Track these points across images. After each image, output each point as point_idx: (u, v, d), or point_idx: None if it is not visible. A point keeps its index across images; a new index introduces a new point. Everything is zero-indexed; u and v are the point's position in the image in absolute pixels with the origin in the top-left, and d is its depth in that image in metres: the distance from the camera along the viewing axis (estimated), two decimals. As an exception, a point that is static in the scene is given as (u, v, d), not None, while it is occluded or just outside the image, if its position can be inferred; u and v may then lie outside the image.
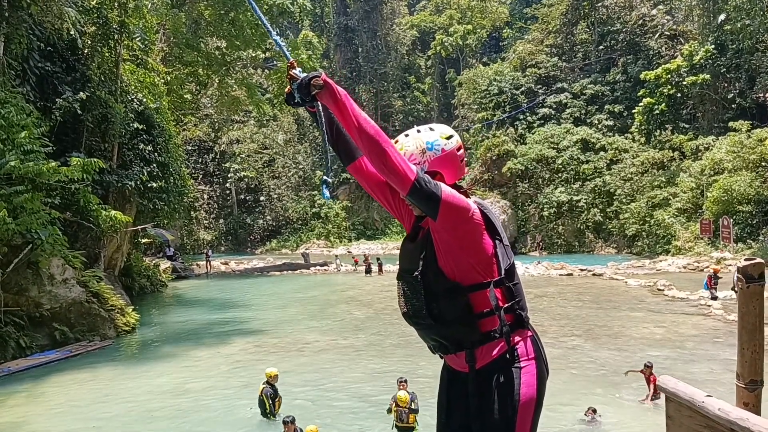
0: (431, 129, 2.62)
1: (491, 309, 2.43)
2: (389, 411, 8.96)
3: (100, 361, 14.19)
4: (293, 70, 2.36)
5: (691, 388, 2.69)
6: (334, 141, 2.57)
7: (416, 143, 2.56)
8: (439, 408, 2.73)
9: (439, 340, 2.55)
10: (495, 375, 2.45)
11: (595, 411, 9.50)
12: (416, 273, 2.48)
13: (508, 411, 2.42)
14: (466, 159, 2.71)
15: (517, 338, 2.49)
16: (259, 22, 25.42)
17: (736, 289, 2.59)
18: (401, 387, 9.07)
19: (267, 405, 9.99)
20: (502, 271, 2.48)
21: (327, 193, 2.58)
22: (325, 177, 2.59)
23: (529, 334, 2.55)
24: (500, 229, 2.54)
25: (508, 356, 2.45)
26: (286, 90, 2.40)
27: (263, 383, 10.22)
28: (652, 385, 10.09)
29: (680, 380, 2.88)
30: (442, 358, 2.69)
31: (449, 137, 2.59)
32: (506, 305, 2.47)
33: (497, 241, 2.51)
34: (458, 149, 2.61)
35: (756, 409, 2.65)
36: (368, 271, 30.47)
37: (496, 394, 2.44)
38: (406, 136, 2.61)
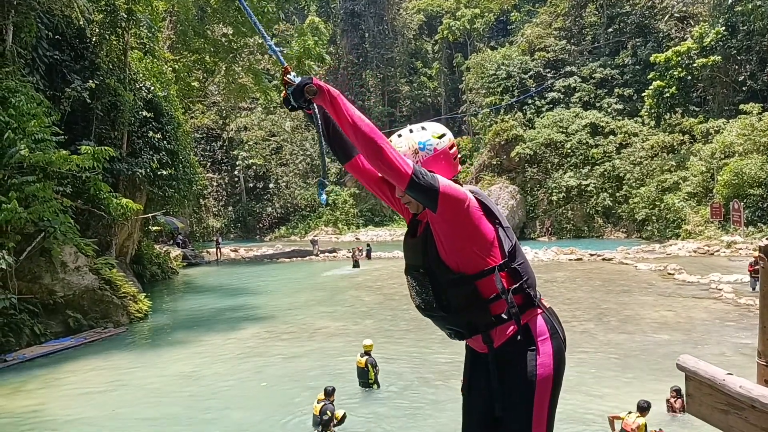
0: (423, 128, 2.63)
1: (498, 293, 2.46)
2: None
3: (113, 348, 14.35)
4: (288, 76, 2.41)
5: (712, 367, 2.70)
6: (331, 140, 2.64)
7: (408, 143, 2.56)
8: (464, 388, 2.77)
9: (454, 328, 2.60)
10: (512, 357, 2.50)
11: (678, 393, 8.68)
12: (421, 270, 2.52)
13: (525, 391, 2.48)
14: (460, 156, 2.72)
15: (526, 319, 2.52)
16: (266, 10, 25.24)
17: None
18: None
19: (372, 374, 10.28)
20: (506, 254, 2.50)
21: (324, 196, 2.62)
22: (321, 179, 2.64)
23: (539, 312, 2.56)
24: (498, 213, 2.56)
25: (520, 337, 2.49)
26: (282, 95, 2.45)
27: (361, 354, 10.47)
28: None
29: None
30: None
31: (441, 136, 2.59)
32: (514, 286, 2.49)
33: (497, 226, 2.54)
34: (450, 147, 2.61)
35: (777, 387, 2.65)
36: (356, 265, 28.85)
37: (513, 376, 2.49)
38: (399, 136, 2.61)
